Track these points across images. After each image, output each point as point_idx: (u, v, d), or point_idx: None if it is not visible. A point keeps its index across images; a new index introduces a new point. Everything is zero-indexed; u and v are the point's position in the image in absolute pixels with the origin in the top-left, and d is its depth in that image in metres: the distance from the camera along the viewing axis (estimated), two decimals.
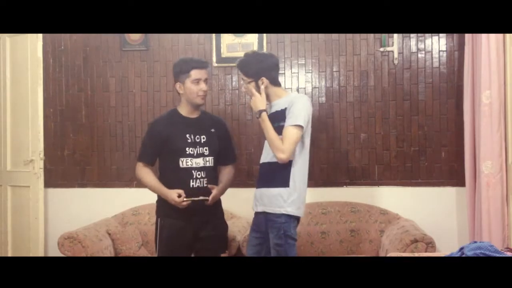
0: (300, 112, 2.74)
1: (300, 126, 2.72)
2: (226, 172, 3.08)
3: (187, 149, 2.89)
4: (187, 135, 2.91)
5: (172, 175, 2.91)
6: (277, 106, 2.85)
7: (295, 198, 2.77)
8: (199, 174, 2.90)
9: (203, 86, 2.91)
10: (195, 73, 2.90)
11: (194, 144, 2.90)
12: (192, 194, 2.87)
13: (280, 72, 4.14)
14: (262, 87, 2.85)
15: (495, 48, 3.46)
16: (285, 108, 2.79)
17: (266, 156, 2.85)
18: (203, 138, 2.92)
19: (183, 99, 2.99)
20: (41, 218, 4.02)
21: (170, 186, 2.89)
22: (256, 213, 2.92)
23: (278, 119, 2.80)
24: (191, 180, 2.88)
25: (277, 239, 2.74)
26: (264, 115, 2.78)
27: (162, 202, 2.97)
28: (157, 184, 2.92)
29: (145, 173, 2.98)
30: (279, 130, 2.78)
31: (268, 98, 2.90)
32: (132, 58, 4.30)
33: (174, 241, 2.90)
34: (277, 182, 2.78)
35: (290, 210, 2.75)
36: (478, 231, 3.56)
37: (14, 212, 4.18)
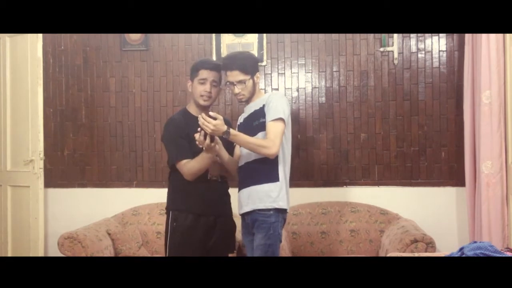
0: (278, 106, 2.72)
1: (282, 119, 2.71)
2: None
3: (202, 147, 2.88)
4: None
5: None
6: (256, 105, 2.83)
7: (284, 192, 2.77)
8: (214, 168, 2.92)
9: (207, 87, 2.88)
10: (202, 73, 2.89)
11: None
12: (209, 186, 2.88)
13: (280, 72, 4.17)
14: (258, 81, 2.83)
15: (495, 48, 3.46)
16: (263, 106, 2.77)
17: (247, 157, 2.81)
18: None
19: (191, 98, 3.00)
20: (41, 218, 4.01)
21: (187, 180, 2.87)
22: (243, 216, 2.87)
23: (258, 116, 2.79)
24: (209, 173, 2.89)
25: (267, 239, 2.71)
26: (233, 130, 2.67)
27: (174, 195, 2.97)
28: (199, 160, 2.80)
29: (191, 164, 2.82)
30: (260, 126, 2.76)
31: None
32: (132, 58, 4.30)
33: (185, 237, 2.87)
34: (266, 178, 2.75)
35: (282, 204, 2.75)
36: (478, 231, 3.56)
37: (14, 212, 4.17)
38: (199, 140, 2.65)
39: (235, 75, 2.78)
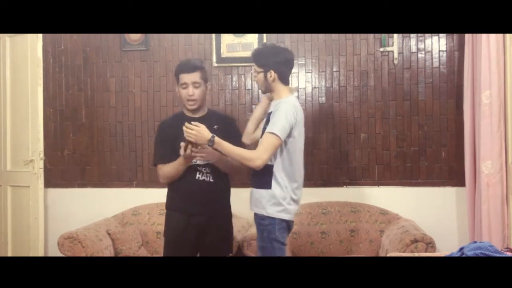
0: (280, 119, 2.67)
1: (276, 135, 2.65)
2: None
3: None
4: None
5: None
6: (272, 106, 2.83)
7: (277, 200, 2.73)
8: (204, 169, 2.90)
9: (190, 90, 2.85)
10: (182, 77, 2.87)
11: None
12: (198, 186, 2.88)
13: None
14: (270, 79, 2.80)
15: (495, 48, 3.46)
16: (271, 112, 2.77)
17: None
18: None
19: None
20: (41, 218, 4.01)
21: (177, 180, 2.90)
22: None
23: (267, 121, 2.78)
24: (198, 173, 2.90)
25: (261, 241, 2.75)
26: (217, 138, 2.66)
27: (169, 194, 3.00)
28: (174, 165, 2.87)
29: (166, 169, 2.90)
30: None
31: (271, 95, 2.88)
32: (132, 58, 4.30)
33: (178, 236, 2.90)
34: (260, 183, 2.77)
35: (271, 212, 2.72)
36: (478, 231, 3.56)
37: (14, 212, 4.17)
38: (184, 147, 2.73)
39: (253, 65, 2.91)
